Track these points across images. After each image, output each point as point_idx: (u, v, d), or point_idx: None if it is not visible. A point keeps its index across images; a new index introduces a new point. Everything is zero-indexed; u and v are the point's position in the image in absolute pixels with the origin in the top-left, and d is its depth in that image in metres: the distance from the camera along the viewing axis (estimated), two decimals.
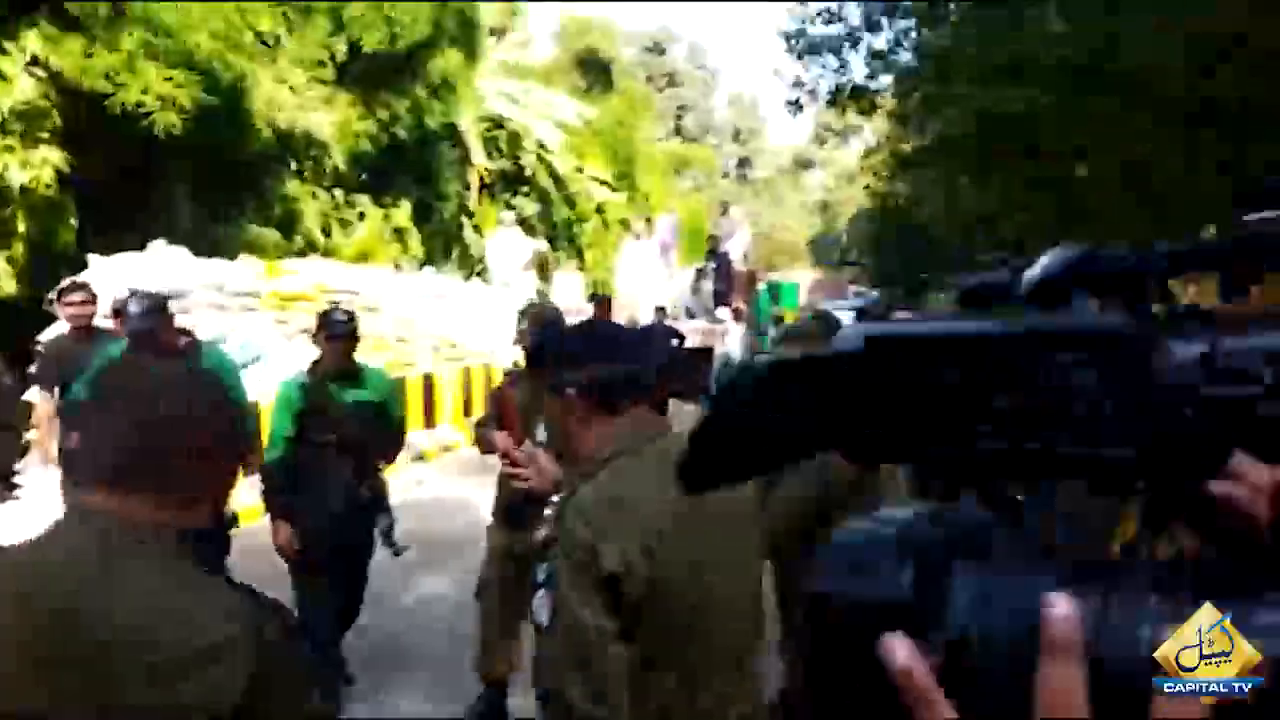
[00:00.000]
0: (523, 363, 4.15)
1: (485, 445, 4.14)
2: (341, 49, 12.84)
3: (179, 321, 4.71)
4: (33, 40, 9.65)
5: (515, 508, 3.92)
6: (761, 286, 20.39)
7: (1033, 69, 6.52)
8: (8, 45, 9.54)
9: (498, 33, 20.79)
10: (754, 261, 22.07)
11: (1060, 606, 0.46)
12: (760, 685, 1.92)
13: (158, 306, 4.19)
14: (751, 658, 1.89)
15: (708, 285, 19.38)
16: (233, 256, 10.81)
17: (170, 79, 10.09)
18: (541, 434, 3.61)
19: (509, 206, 19.04)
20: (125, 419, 1.28)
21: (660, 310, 14.62)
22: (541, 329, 3.97)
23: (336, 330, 4.18)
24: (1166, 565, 0.52)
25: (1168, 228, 10.09)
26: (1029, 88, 6.46)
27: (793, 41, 10.88)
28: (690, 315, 18.66)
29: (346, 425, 4.11)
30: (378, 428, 4.23)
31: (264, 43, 11.67)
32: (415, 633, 4.99)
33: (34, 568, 1.25)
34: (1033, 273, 0.75)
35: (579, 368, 1.86)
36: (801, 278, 32.06)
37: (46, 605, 1.20)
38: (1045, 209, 8.95)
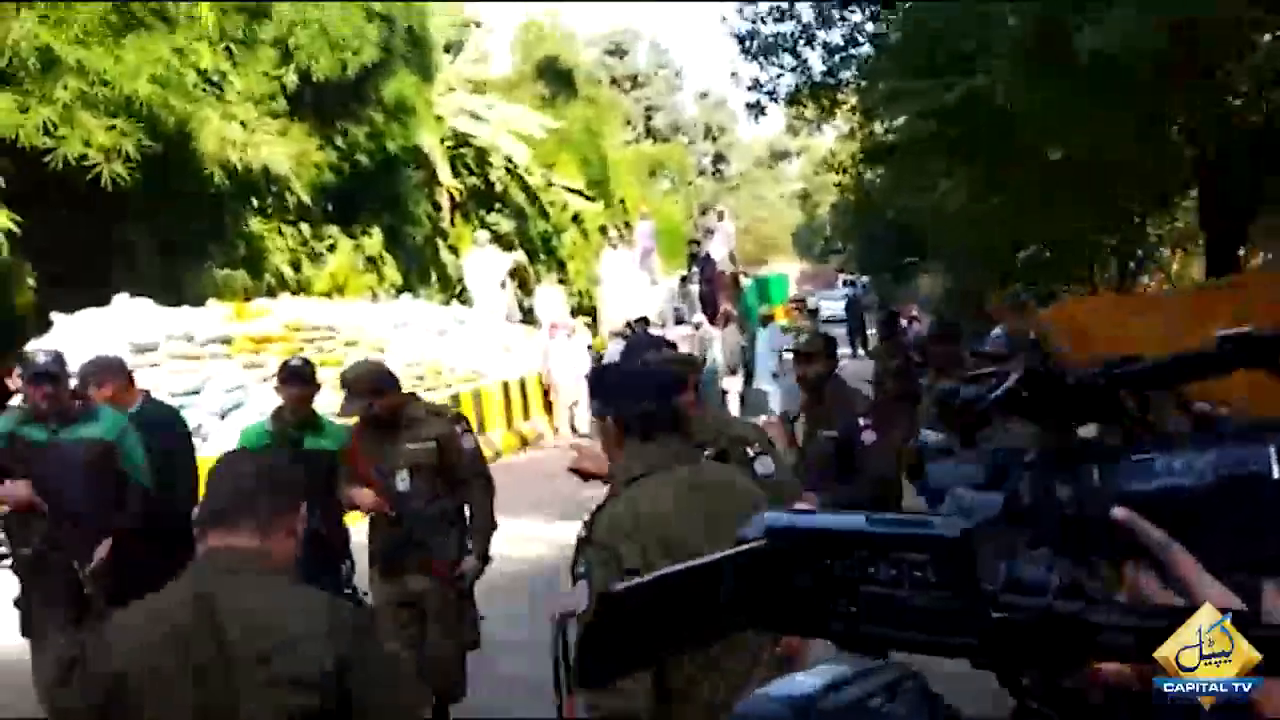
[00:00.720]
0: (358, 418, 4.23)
1: (348, 504, 4.28)
2: (291, 79, 12.53)
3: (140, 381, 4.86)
4: None
5: (388, 555, 4.08)
6: (748, 283, 19.92)
7: (985, 59, 6.32)
8: None
9: (453, 48, 20.45)
10: (740, 259, 21.69)
11: None
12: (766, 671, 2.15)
13: (61, 366, 4.24)
14: (761, 644, 2.20)
15: (694, 289, 19.04)
16: (201, 302, 10.53)
17: (113, 127, 9.80)
18: (401, 484, 3.91)
19: (483, 225, 18.71)
20: (224, 476, 1.89)
21: (643, 320, 14.20)
22: (364, 396, 4.04)
23: (294, 378, 4.42)
24: None
25: (1121, 215, 9.95)
26: (984, 77, 6.26)
27: (746, 43, 10.54)
28: (679, 321, 18.31)
29: (311, 472, 4.15)
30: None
31: (210, 80, 11.36)
32: None
33: (180, 597, 1.80)
34: (999, 390, 0.84)
35: (620, 400, 2.27)
36: (790, 270, 31.71)
37: (194, 622, 1.74)
38: (1010, 200, 8.76)
